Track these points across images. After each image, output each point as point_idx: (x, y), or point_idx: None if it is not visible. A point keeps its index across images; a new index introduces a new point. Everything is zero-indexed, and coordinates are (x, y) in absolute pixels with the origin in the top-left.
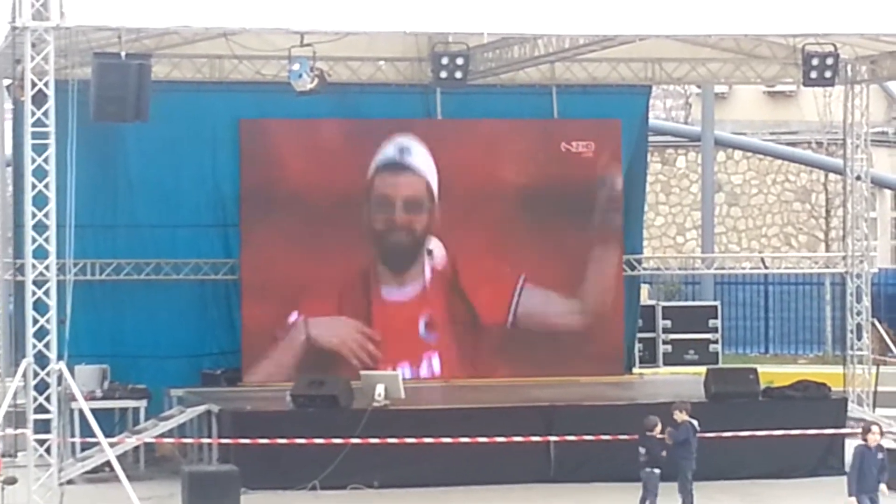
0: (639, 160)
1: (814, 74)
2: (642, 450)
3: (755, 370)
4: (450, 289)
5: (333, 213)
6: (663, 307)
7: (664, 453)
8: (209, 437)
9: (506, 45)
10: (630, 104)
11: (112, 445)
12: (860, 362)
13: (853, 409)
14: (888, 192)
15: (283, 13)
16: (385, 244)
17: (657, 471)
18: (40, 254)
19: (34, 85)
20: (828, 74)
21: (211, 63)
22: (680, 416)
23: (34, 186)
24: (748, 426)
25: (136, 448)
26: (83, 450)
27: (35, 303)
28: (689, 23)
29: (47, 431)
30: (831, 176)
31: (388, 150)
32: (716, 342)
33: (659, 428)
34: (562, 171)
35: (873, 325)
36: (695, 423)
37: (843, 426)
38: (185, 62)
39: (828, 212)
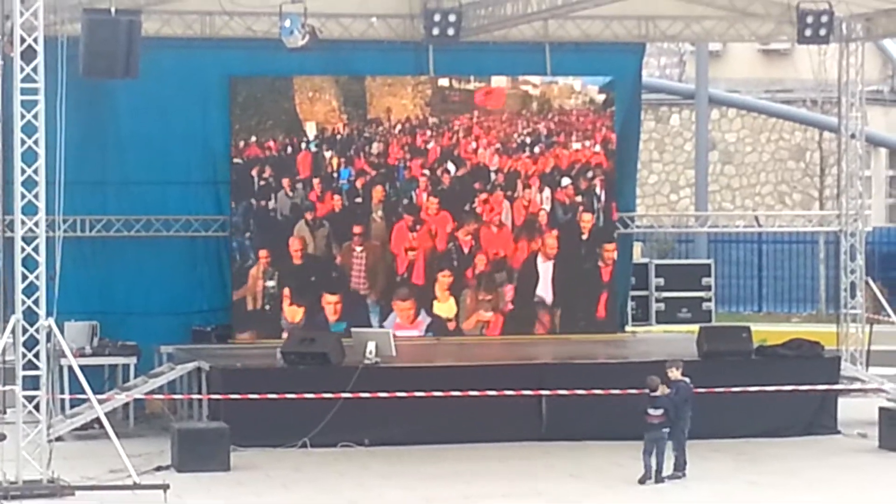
0: (632, 118)
1: (808, 32)
2: (657, 411)
3: (748, 328)
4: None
5: None
6: (656, 265)
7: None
8: (199, 394)
9: (498, 2)
10: (624, 62)
11: (101, 402)
12: (854, 321)
13: (846, 368)
14: (883, 151)
15: None
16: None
17: (668, 430)
18: (30, 210)
19: (23, 41)
20: (822, 32)
21: (202, 19)
22: (674, 374)
23: (23, 142)
24: (741, 384)
25: (126, 405)
26: (72, 406)
27: (24, 259)
28: None
29: (36, 388)
30: (826, 134)
31: None
32: (709, 300)
33: (662, 387)
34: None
35: (867, 283)
36: (687, 380)
37: (837, 384)
38: (176, 18)
39: (822, 170)
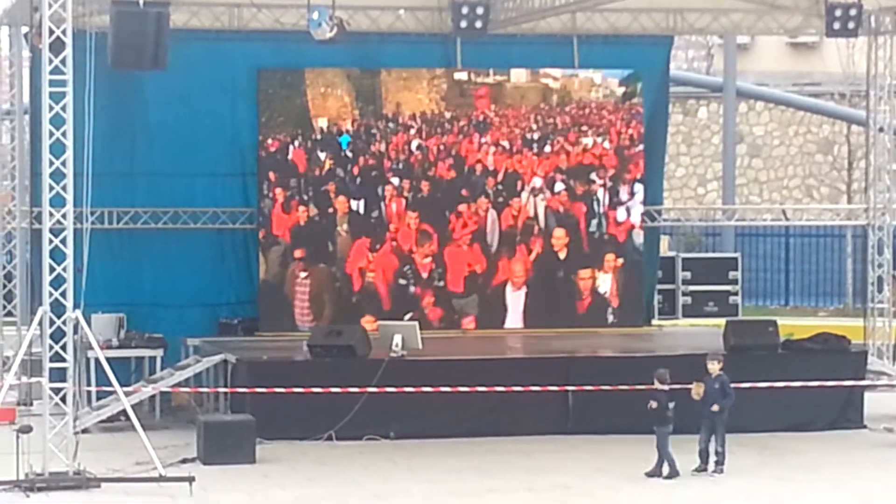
0: (660, 111)
1: (837, 25)
2: (654, 403)
3: (775, 322)
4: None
5: None
6: (683, 259)
7: (653, 405)
8: (225, 386)
9: None
10: (651, 55)
11: (128, 394)
12: (881, 315)
13: (873, 362)
14: None
15: None
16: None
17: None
18: (58, 202)
19: (52, 33)
20: (851, 25)
21: (230, 11)
22: (714, 368)
23: (52, 134)
24: (767, 378)
25: (152, 397)
26: (99, 398)
27: (52, 251)
28: None
29: (63, 380)
30: (854, 128)
31: None
32: (736, 294)
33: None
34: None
35: (894, 277)
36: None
37: (863, 379)
38: (204, 10)
39: (850, 164)
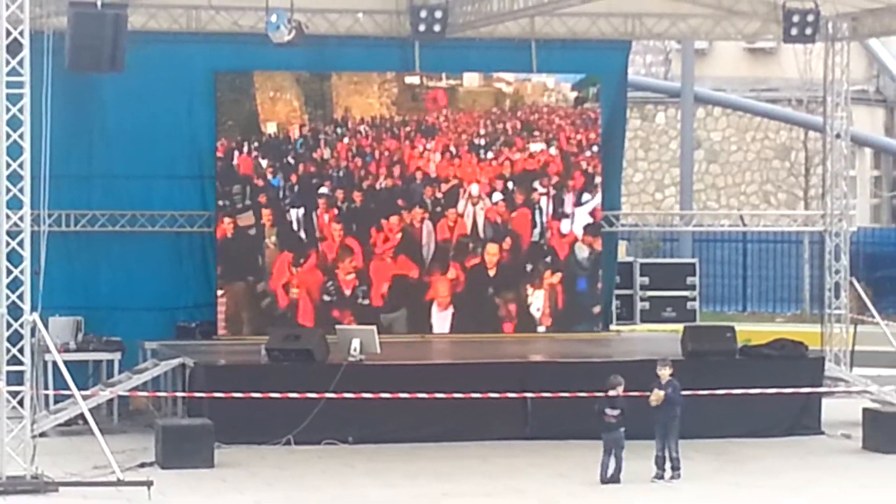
0: (618, 116)
1: (794, 31)
2: (614, 411)
3: (732, 328)
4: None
5: None
6: (641, 264)
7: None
8: (183, 390)
9: None
10: (609, 59)
11: (85, 398)
12: (838, 321)
13: (830, 369)
14: (868, 151)
15: None
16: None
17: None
18: (14, 204)
19: (9, 34)
20: (808, 31)
21: (188, 13)
22: (664, 373)
23: (8, 136)
24: (725, 384)
25: (110, 401)
26: (56, 402)
27: (9, 254)
28: None
29: (20, 383)
30: (811, 134)
31: None
32: (693, 300)
33: (622, 388)
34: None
35: (851, 284)
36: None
37: (820, 385)
38: (162, 12)
39: (807, 170)
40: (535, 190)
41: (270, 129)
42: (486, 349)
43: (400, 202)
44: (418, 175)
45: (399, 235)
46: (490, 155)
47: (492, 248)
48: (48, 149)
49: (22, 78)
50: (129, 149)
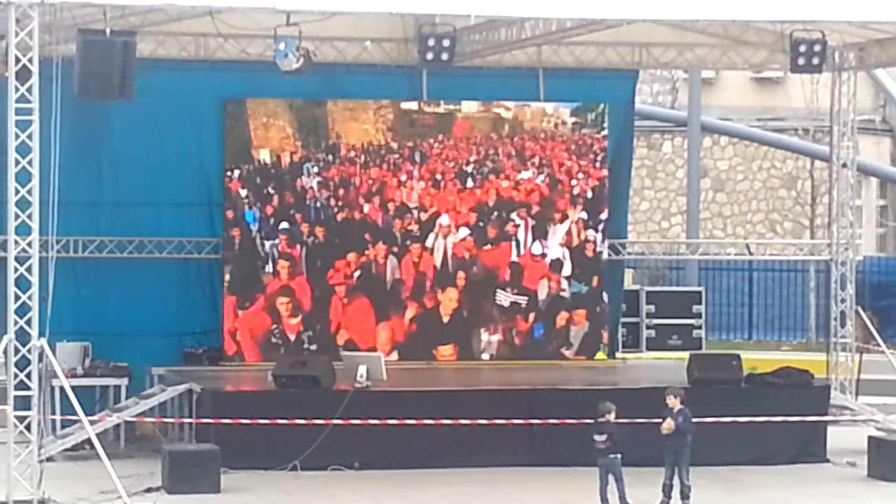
0: (625, 144)
1: (801, 61)
2: (601, 437)
3: (738, 356)
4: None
5: None
6: (647, 292)
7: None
8: (190, 415)
9: (493, 28)
10: (617, 88)
11: (92, 423)
12: (843, 350)
13: (836, 397)
14: (874, 180)
15: None
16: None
17: (620, 456)
18: (23, 230)
19: (18, 61)
20: (815, 61)
21: (196, 41)
22: (674, 402)
23: (17, 163)
24: (730, 412)
25: (117, 426)
26: (63, 427)
27: (17, 279)
28: (677, 7)
29: (28, 408)
30: (817, 163)
31: None
32: (699, 328)
33: (613, 414)
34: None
35: (857, 312)
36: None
37: (826, 413)
38: (171, 40)
39: (813, 199)
40: (511, 221)
41: (263, 155)
42: (493, 376)
43: (367, 236)
44: (391, 207)
45: (357, 273)
46: (471, 183)
47: (451, 294)
48: (57, 175)
49: (31, 105)
50: (137, 176)
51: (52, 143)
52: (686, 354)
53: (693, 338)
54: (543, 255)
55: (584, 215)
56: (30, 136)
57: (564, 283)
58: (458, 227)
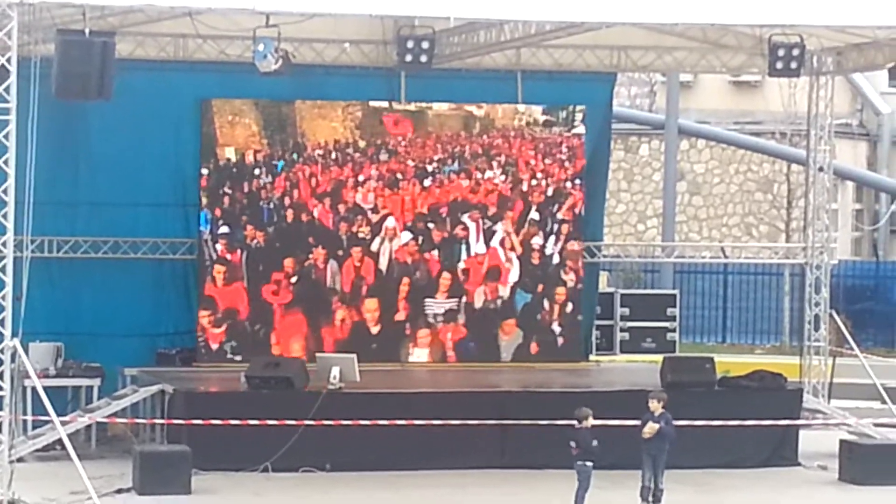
0: (602, 147)
1: (779, 65)
2: (573, 443)
3: (712, 359)
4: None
5: None
6: (622, 295)
7: (595, 443)
8: (162, 417)
9: (472, 30)
10: (595, 91)
11: (64, 424)
12: (817, 353)
13: (808, 400)
14: (850, 184)
15: None
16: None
17: (590, 463)
18: None
19: None
20: (793, 65)
21: (175, 42)
22: (656, 406)
23: None
24: (704, 415)
25: (89, 427)
26: (35, 427)
27: None
28: (656, 11)
29: None
30: (794, 167)
31: None
32: (673, 331)
33: (590, 420)
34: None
35: (831, 316)
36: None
37: (798, 417)
38: (149, 40)
39: (789, 202)
40: (461, 224)
41: (229, 154)
42: (466, 378)
43: (311, 240)
44: (342, 208)
45: (294, 279)
46: (429, 183)
47: (370, 304)
48: (33, 175)
49: (8, 104)
50: (114, 176)
51: (29, 142)
52: (660, 357)
53: (667, 341)
54: (484, 261)
55: (535, 216)
56: (6, 136)
57: (504, 291)
58: (402, 231)
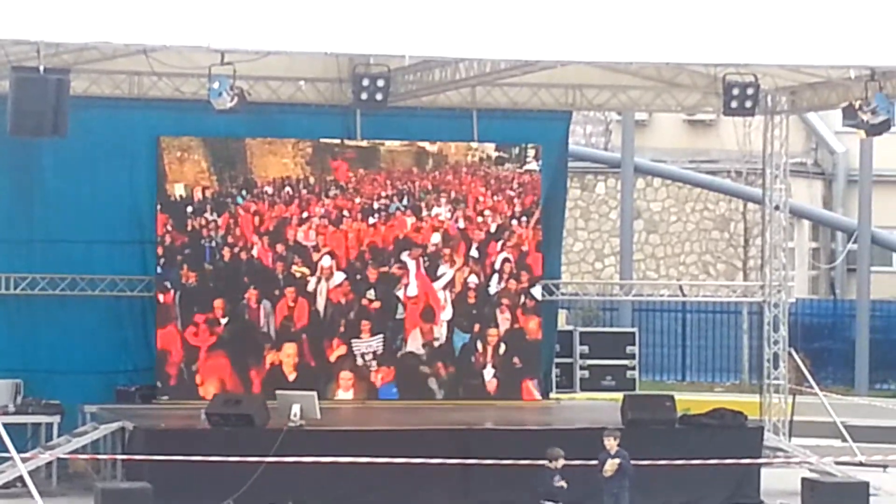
0: (558, 185)
1: (734, 104)
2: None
3: (672, 397)
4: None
5: None
6: (581, 332)
7: (563, 484)
8: (123, 453)
9: (427, 68)
10: (550, 129)
11: (24, 461)
12: (777, 391)
13: (769, 438)
14: (806, 223)
15: (204, 31)
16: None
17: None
18: None
19: None
20: (748, 104)
21: (130, 79)
22: (612, 444)
23: None
24: (664, 453)
25: (49, 464)
26: None
27: None
28: (610, 50)
29: None
30: (750, 205)
31: None
32: (633, 368)
33: (560, 461)
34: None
35: (790, 354)
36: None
37: (759, 455)
38: (104, 78)
39: (746, 241)
40: (399, 263)
41: (178, 190)
42: (428, 416)
43: (245, 279)
44: (280, 247)
45: (225, 320)
46: (374, 220)
47: (288, 349)
48: None
49: None
50: (69, 213)
51: None
52: (620, 395)
53: (627, 378)
54: (419, 302)
55: (475, 254)
56: None
57: (439, 331)
58: (337, 271)
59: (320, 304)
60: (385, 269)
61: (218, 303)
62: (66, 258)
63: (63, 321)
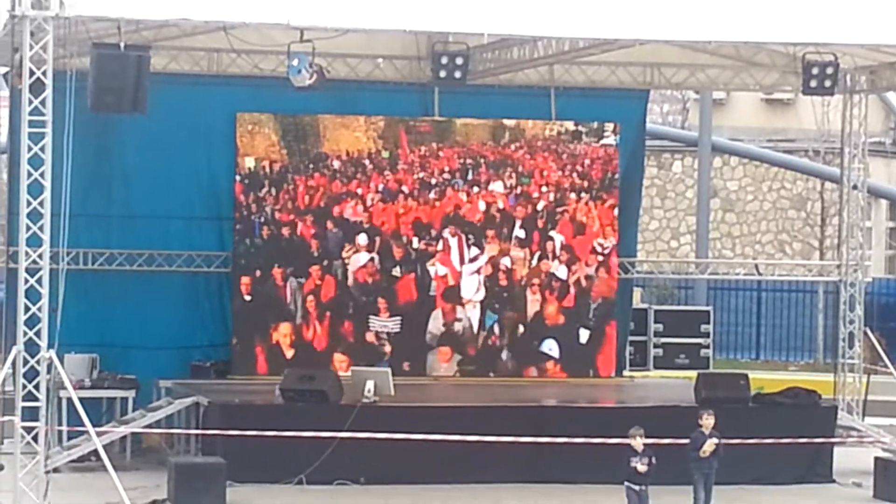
0: (635, 164)
1: (813, 83)
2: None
3: (746, 376)
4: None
5: None
6: (655, 311)
7: (638, 467)
8: (197, 428)
9: (505, 46)
10: (628, 108)
11: (99, 435)
12: (851, 371)
13: (843, 418)
14: (884, 202)
15: (284, 8)
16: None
17: (637, 486)
18: (34, 242)
19: (32, 74)
20: (827, 83)
21: (209, 56)
22: (708, 423)
23: (30, 175)
24: (737, 432)
25: (123, 438)
26: (70, 438)
27: (27, 291)
28: (689, 28)
29: (35, 419)
30: (827, 184)
31: None
32: (707, 347)
33: (640, 440)
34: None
35: (865, 333)
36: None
37: (832, 434)
38: (184, 55)
39: (823, 220)
40: (442, 239)
41: (249, 163)
42: (501, 393)
43: (278, 255)
44: (329, 223)
45: (248, 298)
46: (433, 196)
47: (284, 328)
48: (68, 188)
49: (44, 117)
50: (148, 189)
51: (65, 155)
52: (694, 373)
53: (701, 357)
54: (451, 280)
55: (521, 234)
56: (42, 149)
57: (462, 313)
58: (369, 249)
59: (350, 280)
60: (424, 245)
61: (245, 279)
62: (143, 234)
63: (139, 296)
